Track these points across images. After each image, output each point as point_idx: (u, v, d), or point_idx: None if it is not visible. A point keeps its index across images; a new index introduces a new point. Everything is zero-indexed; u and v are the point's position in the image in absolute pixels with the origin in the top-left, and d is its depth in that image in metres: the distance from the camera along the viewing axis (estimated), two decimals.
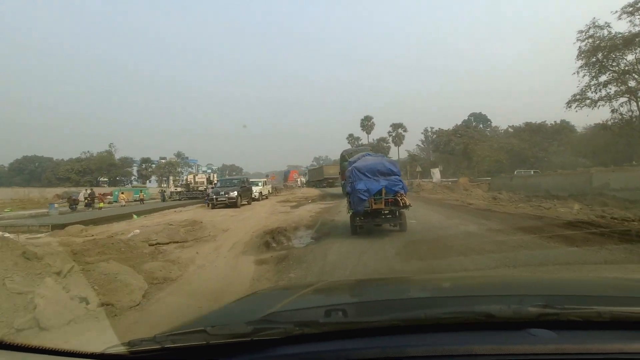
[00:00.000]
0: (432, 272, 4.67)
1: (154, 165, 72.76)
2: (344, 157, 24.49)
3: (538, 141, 53.32)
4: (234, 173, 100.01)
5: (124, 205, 25.36)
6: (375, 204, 7.72)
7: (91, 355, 1.03)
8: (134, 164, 71.27)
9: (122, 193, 28.14)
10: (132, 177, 71.13)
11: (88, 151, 65.63)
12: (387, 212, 7.91)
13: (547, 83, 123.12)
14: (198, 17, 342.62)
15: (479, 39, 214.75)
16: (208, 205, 17.91)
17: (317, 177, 44.95)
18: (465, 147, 47.34)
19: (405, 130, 61.20)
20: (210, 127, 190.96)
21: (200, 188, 28.80)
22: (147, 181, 70.05)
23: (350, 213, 8.20)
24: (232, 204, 17.00)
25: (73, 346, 1.07)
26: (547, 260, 5.12)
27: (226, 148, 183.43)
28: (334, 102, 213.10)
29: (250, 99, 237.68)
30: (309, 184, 49.36)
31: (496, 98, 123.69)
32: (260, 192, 23.46)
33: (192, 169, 76.29)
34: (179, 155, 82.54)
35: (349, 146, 61.65)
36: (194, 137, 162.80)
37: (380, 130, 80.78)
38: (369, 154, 10.78)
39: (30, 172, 79.65)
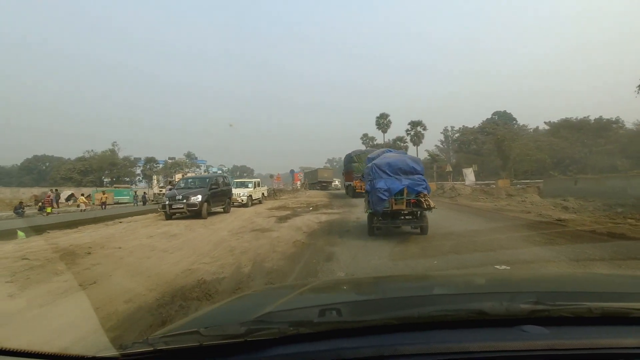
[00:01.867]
0: None
1: (160, 165, 69.58)
2: (351, 159, 24.24)
3: (580, 139, 46.90)
4: (245, 174, 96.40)
5: (84, 210, 20.99)
6: (395, 204, 7.38)
7: (83, 358, 0.99)
8: (139, 164, 68.31)
9: (82, 195, 23.85)
10: (137, 177, 68.38)
11: (92, 150, 62.82)
12: (408, 213, 7.66)
13: (576, 81, 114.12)
14: (214, 19, 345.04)
15: (500, 37, 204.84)
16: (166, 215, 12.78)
17: (312, 180, 45.48)
18: (500, 145, 41.19)
19: (424, 129, 54.92)
20: (224, 128, 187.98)
21: None
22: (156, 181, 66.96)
23: (369, 213, 7.93)
24: (195, 213, 11.93)
25: (66, 350, 1.04)
26: None
27: (240, 149, 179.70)
28: (350, 103, 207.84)
29: (264, 100, 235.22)
30: (303, 185, 50.41)
31: (519, 97, 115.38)
32: (250, 196, 18.48)
33: (200, 169, 72.68)
34: (188, 155, 79.43)
35: (362, 146, 60.80)
36: (207, 138, 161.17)
37: (397, 129, 74.99)
38: (390, 151, 9.62)
39: (40, 171, 79.39)
